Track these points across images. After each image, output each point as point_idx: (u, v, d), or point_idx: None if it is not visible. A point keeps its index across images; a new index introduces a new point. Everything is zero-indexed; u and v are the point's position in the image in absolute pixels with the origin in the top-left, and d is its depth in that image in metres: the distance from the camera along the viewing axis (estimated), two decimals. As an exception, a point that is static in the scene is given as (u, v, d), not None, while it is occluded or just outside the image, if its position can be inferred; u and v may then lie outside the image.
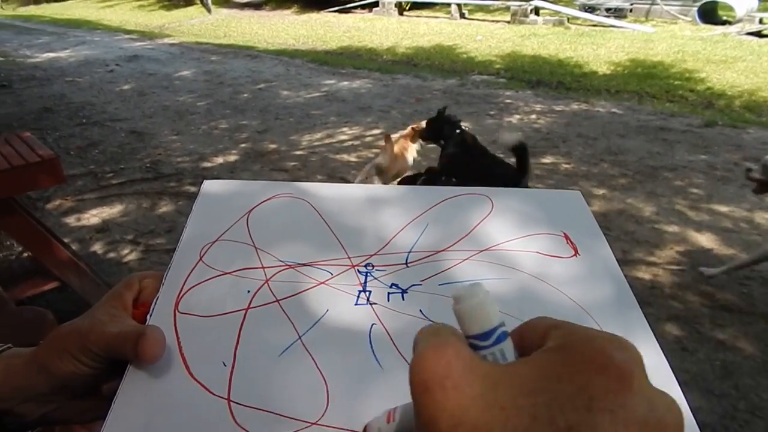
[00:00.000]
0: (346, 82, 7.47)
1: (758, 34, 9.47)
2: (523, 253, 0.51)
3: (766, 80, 6.70)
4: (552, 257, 0.51)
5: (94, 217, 3.51)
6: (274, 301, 0.46)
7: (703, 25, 10.50)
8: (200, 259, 0.48)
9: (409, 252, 0.52)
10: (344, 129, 5.16)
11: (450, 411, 0.22)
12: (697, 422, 0.36)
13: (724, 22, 10.70)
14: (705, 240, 3.09)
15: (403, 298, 0.47)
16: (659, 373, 0.41)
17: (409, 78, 7.72)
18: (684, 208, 3.47)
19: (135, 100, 6.70)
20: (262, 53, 10.31)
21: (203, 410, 0.37)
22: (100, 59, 9.85)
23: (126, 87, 7.46)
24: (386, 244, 0.52)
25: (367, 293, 0.47)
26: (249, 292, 0.46)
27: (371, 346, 0.43)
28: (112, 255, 3.03)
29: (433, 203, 0.57)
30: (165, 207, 3.64)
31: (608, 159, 4.34)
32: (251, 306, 0.45)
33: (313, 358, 0.41)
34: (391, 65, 8.91)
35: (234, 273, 0.48)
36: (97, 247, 3.11)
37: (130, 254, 3.04)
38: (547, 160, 4.39)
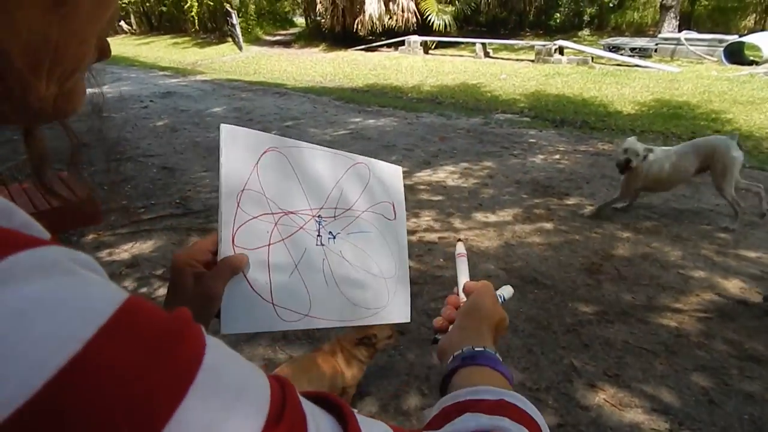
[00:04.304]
0: (371, 120, 7.61)
1: (786, 75, 9.38)
2: (377, 215, 0.84)
3: (795, 122, 6.62)
4: (388, 219, 0.85)
5: (125, 252, 3.61)
6: (280, 240, 0.70)
7: (729, 66, 10.47)
8: (238, 206, 0.68)
9: (335, 208, 0.78)
10: (369, 167, 5.24)
11: (490, 313, 0.68)
12: None
13: (751, 63, 10.66)
14: (732, 286, 3.04)
15: (334, 242, 0.76)
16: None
17: (433, 116, 7.84)
18: (710, 253, 3.43)
19: (167, 136, 6.93)
20: (291, 90, 10.59)
21: (260, 310, 0.66)
22: (135, 95, 10.22)
23: (159, 123, 7.72)
24: (326, 200, 0.77)
25: (320, 237, 0.75)
26: (267, 232, 0.69)
27: (323, 272, 0.74)
28: (142, 290, 3.11)
29: (347, 167, 0.81)
30: (193, 243, 3.73)
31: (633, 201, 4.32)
32: (270, 243, 0.69)
33: (303, 280, 0.71)
34: (415, 103, 9.07)
35: (257, 217, 0.69)
36: (128, 283, 3.19)
37: (159, 289, 3.12)
38: (571, 201, 4.39)
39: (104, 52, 0.38)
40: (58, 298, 0.26)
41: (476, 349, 0.62)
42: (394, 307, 0.83)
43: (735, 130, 6.42)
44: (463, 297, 0.73)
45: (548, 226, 3.94)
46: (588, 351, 2.52)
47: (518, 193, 4.61)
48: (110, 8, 0.36)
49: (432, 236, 3.77)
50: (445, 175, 5.07)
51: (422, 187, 4.73)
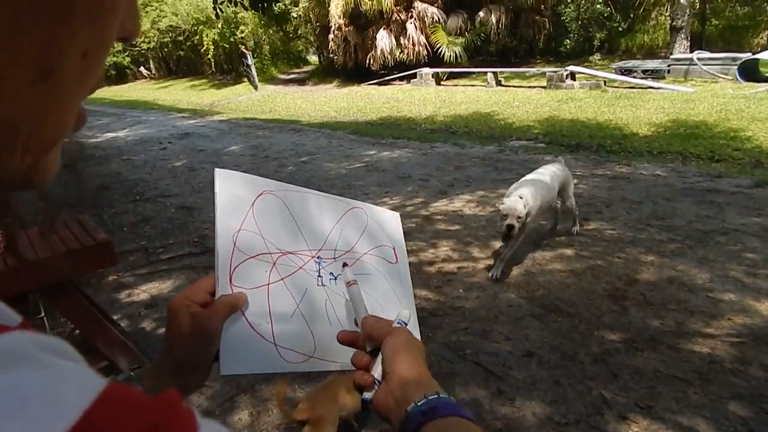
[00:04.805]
0: (386, 152, 7.65)
1: (805, 90, 9.26)
2: (379, 258, 0.83)
3: (818, 137, 6.49)
4: (390, 263, 0.84)
5: (143, 292, 3.62)
6: (280, 280, 0.69)
7: (744, 83, 10.37)
8: (234, 245, 0.67)
9: (335, 249, 0.78)
10: (385, 199, 5.25)
11: (420, 349, 0.63)
12: None
13: (766, 79, 10.55)
14: (764, 309, 2.93)
15: (335, 282, 0.75)
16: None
17: (447, 146, 7.85)
18: (740, 275, 3.32)
19: (185, 175, 7.03)
20: (306, 126, 10.73)
21: (262, 351, 0.64)
22: (154, 137, 10.45)
23: (177, 163, 7.85)
24: (324, 242, 0.77)
25: (321, 278, 0.74)
26: (266, 271, 0.68)
27: (326, 313, 0.72)
28: (160, 331, 3.10)
29: (344, 210, 0.82)
30: (211, 281, 3.73)
31: (655, 224, 4.24)
32: (269, 282, 0.68)
33: (306, 320, 0.70)
34: (429, 134, 9.11)
35: (255, 257, 0.68)
36: (146, 324, 3.19)
37: (176, 330, 3.11)
38: (591, 226, 4.32)
39: (81, 120, 0.34)
40: (25, 396, 0.23)
41: (430, 397, 0.56)
42: None
43: (756, 148, 6.32)
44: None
45: (569, 252, 3.87)
46: (617, 381, 2.43)
47: (536, 219, 4.55)
48: (96, 74, 0.32)
49: (451, 266, 3.72)
50: (462, 204, 5.04)
51: (439, 216, 4.69)
